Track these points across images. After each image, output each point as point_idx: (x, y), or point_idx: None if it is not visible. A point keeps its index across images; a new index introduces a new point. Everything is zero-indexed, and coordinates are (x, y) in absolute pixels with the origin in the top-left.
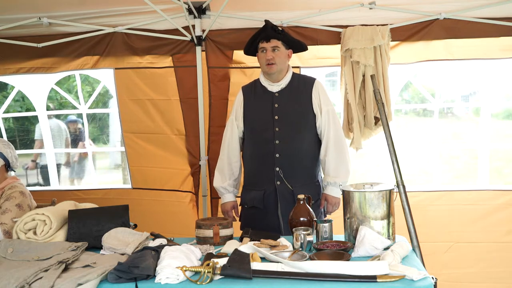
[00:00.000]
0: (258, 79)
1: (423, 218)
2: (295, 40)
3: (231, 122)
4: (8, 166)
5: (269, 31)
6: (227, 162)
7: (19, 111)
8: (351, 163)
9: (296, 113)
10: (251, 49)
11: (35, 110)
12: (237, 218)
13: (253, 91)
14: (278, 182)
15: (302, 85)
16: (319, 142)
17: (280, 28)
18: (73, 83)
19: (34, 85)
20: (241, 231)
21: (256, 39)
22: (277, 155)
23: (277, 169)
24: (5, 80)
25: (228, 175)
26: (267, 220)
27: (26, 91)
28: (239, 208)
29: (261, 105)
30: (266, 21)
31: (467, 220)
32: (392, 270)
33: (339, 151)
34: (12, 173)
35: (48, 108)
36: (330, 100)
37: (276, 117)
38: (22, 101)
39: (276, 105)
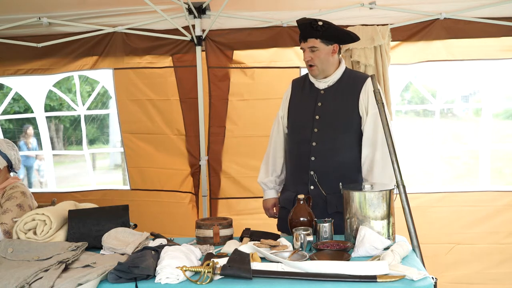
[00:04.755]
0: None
1: (424, 220)
2: (340, 32)
3: (278, 117)
4: (10, 167)
5: (305, 29)
6: (271, 158)
7: (17, 111)
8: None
9: (339, 114)
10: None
11: (33, 112)
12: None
13: (301, 85)
14: (312, 187)
15: (352, 83)
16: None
17: (321, 23)
18: (72, 83)
19: (32, 87)
20: (241, 231)
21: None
22: (313, 158)
23: (312, 172)
24: (2, 82)
25: (270, 171)
26: None
27: (23, 92)
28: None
29: (305, 102)
30: (303, 18)
31: (468, 222)
32: (392, 270)
33: (387, 155)
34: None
35: (46, 109)
36: None
37: (317, 117)
38: (21, 101)
39: (319, 104)
